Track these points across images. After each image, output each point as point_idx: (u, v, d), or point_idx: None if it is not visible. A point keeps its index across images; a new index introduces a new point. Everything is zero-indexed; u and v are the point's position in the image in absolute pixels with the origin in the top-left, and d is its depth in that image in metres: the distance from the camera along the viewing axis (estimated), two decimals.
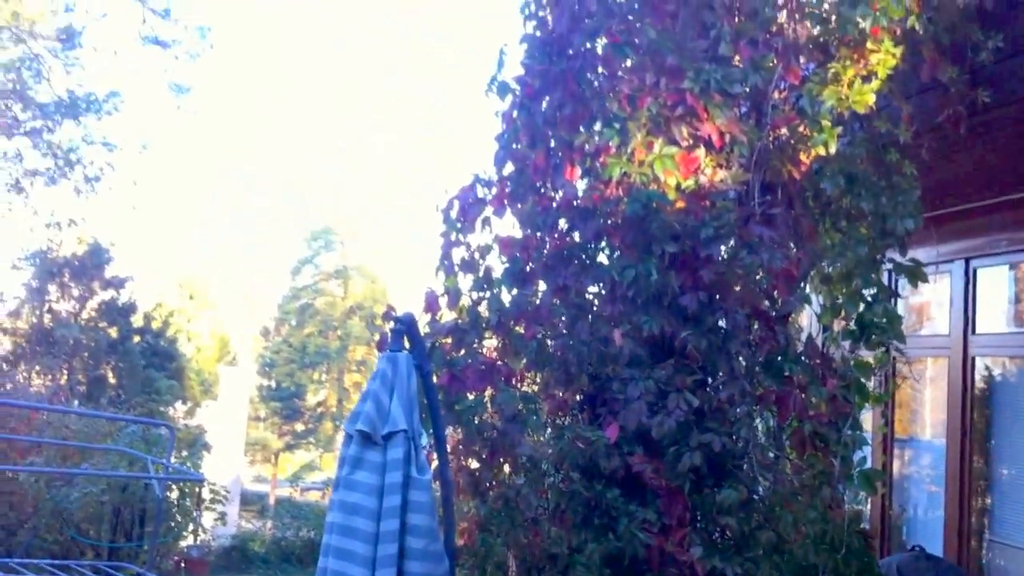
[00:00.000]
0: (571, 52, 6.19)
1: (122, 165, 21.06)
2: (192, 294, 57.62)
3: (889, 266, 5.89)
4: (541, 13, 6.46)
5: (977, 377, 8.05)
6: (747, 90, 5.76)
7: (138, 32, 26.07)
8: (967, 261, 8.05)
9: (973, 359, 7.99)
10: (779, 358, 5.64)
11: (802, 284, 6.03)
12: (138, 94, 24.78)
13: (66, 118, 20.70)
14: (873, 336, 5.67)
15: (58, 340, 19.33)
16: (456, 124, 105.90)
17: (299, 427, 54.73)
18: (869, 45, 5.50)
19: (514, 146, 6.72)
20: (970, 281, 8.06)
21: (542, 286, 6.46)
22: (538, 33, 6.44)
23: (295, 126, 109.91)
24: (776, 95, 5.86)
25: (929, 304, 9.07)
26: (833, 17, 5.72)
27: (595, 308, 6.22)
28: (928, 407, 9.18)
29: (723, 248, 5.81)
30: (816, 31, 5.90)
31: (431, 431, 4.79)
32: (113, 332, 20.86)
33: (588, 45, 6.22)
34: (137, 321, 22.01)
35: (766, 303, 5.91)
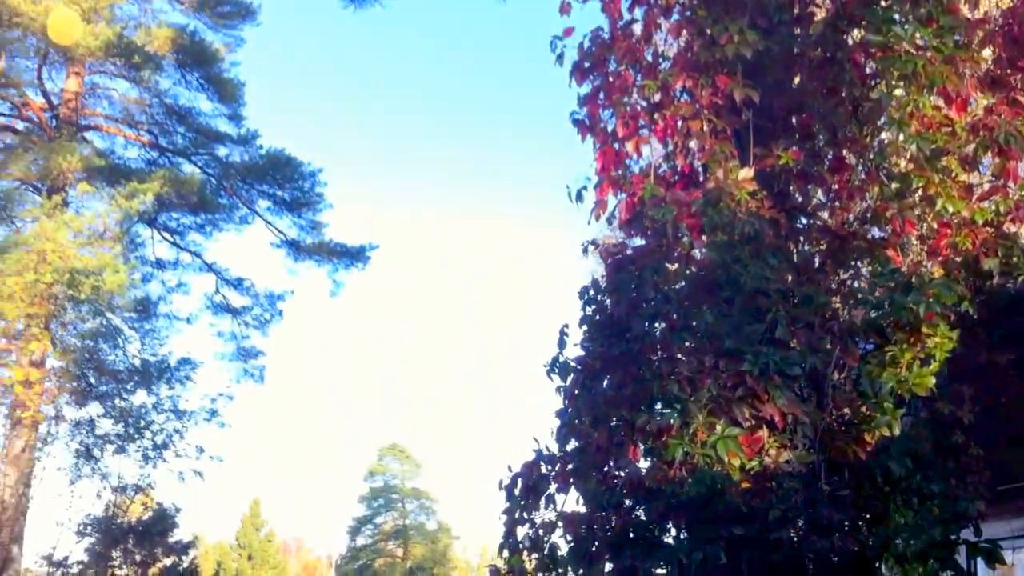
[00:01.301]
0: (630, 335, 6.39)
1: (191, 431, 21.45)
2: (251, 554, 56.91)
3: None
4: (600, 298, 6.74)
5: None
6: (805, 372, 5.85)
7: (210, 299, 27.40)
8: None
9: None
10: None
11: (877, 565, 5.86)
12: (209, 358, 25.39)
13: (139, 387, 21.38)
14: None
15: None
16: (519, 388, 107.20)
17: None
18: (925, 329, 5.61)
19: (576, 423, 6.80)
20: None
21: (607, 566, 6.35)
22: (597, 316, 6.70)
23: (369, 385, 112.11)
24: (835, 376, 5.94)
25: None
26: (886, 302, 5.86)
27: None
28: None
29: (792, 530, 5.73)
30: (872, 315, 6.03)
31: None
32: None
33: (646, 328, 6.42)
34: None
35: None
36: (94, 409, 21.31)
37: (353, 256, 26.86)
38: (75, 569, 19.82)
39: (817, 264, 6.72)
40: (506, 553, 6.75)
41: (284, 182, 25.90)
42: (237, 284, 27.44)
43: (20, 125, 24.79)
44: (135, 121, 25.58)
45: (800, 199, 6.95)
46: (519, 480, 6.87)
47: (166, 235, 26.72)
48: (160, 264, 26.65)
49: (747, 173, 6.34)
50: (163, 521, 21.00)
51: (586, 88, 7.53)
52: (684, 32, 7.40)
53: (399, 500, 63.99)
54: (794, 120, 7.04)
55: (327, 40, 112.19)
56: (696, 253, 6.35)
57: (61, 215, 21.03)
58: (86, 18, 21.51)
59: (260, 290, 27.22)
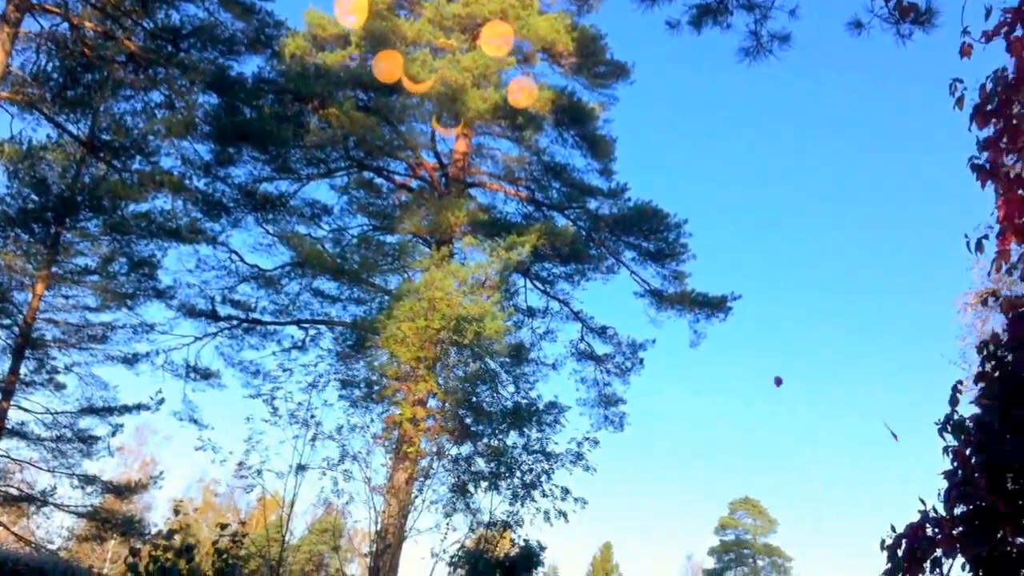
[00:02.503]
0: None
1: (557, 473, 22.24)
2: None
3: None
4: (1000, 353, 6.32)
5: None
6: None
7: (575, 346, 28.41)
8: None
9: None
10: None
11: None
12: (572, 405, 26.32)
13: (511, 428, 22.54)
14: None
15: None
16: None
17: None
18: None
19: (968, 486, 6.41)
20: None
21: None
22: (997, 373, 6.28)
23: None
24: None
25: None
26: None
27: None
28: None
29: None
30: None
31: None
32: None
33: None
34: None
35: None
36: (467, 447, 22.73)
37: (714, 306, 26.85)
38: None
39: None
40: None
41: (650, 233, 26.52)
42: (601, 332, 28.31)
43: (414, 183, 27.46)
44: (515, 178, 27.47)
45: None
46: (903, 541, 6.57)
47: (538, 284, 28.22)
48: (531, 312, 28.16)
49: None
50: (528, 558, 21.79)
51: (988, 131, 7.14)
52: None
53: (751, 555, 62.44)
54: None
55: (704, 91, 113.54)
56: None
57: (448, 265, 22.87)
58: (475, 83, 23.41)
59: (623, 338, 27.92)
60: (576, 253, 26.09)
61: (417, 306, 21.30)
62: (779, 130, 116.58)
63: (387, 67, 22.20)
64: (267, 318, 26.31)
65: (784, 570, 62.96)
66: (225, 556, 13.46)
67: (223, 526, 13.94)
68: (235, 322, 25.97)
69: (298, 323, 26.43)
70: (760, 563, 62.59)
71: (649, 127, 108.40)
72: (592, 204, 27.32)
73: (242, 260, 25.66)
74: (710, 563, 64.36)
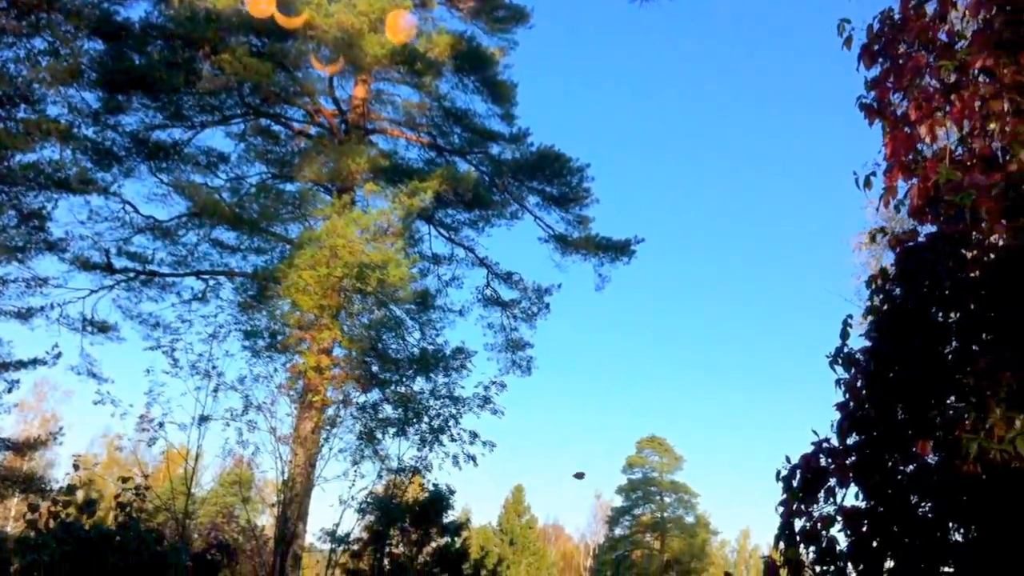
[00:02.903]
0: (922, 326, 6.16)
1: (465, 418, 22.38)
2: (513, 539, 58.71)
3: None
4: (889, 287, 6.53)
5: None
6: None
7: (481, 292, 28.51)
8: None
9: None
10: None
11: None
12: (479, 350, 26.52)
13: (417, 374, 22.64)
14: None
15: None
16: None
17: None
18: None
19: (859, 416, 6.64)
20: None
21: (888, 563, 6.17)
22: (886, 306, 6.49)
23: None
24: None
25: None
26: None
27: None
28: None
29: None
30: None
31: None
32: None
33: (940, 318, 6.18)
34: (468, 569, 22.55)
35: None
36: (375, 395, 22.73)
37: (619, 250, 27.16)
38: (355, 546, 21.01)
39: None
40: (782, 545, 6.69)
41: (553, 178, 26.60)
42: (507, 278, 28.44)
43: (313, 130, 26.96)
44: (416, 124, 27.20)
45: None
46: (797, 472, 6.78)
47: (442, 231, 28.16)
48: (436, 259, 28.13)
49: None
50: (438, 502, 22.00)
51: (875, 71, 7.31)
52: (982, 11, 7.03)
53: (658, 493, 64.05)
54: None
55: (595, 35, 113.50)
56: (996, 239, 6.02)
57: (349, 213, 22.63)
58: (372, 28, 22.96)
59: (528, 284, 28.10)
60: (479, 199, 26.05)
61: (319, 254, 21.07)
62: (674, 70, 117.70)
63: (274, 8, 21.58)
64: (165, 270, 25.70)
65: (690, 505, 64.75)
66: (128, 510, 13.23)
67: (125, 480, 13.70)
68: (132, 274, 25.27)
69: (197, 274, 25.87)
70: (667, 500, 64.20)
71: (550, 72, 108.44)
72: (494, 149, 27.30)
73: (136, 211, 24.94)
74: (618, 502, 65.83)
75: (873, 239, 7.44)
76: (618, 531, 64.59)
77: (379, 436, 21.55)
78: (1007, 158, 6.34)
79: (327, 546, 21.08)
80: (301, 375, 21.08)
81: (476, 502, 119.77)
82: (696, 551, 62.75)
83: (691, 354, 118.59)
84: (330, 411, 22.40)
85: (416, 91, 26.59)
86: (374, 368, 23.14)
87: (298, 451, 22.80)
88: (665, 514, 63.75)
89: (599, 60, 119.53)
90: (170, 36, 22.36)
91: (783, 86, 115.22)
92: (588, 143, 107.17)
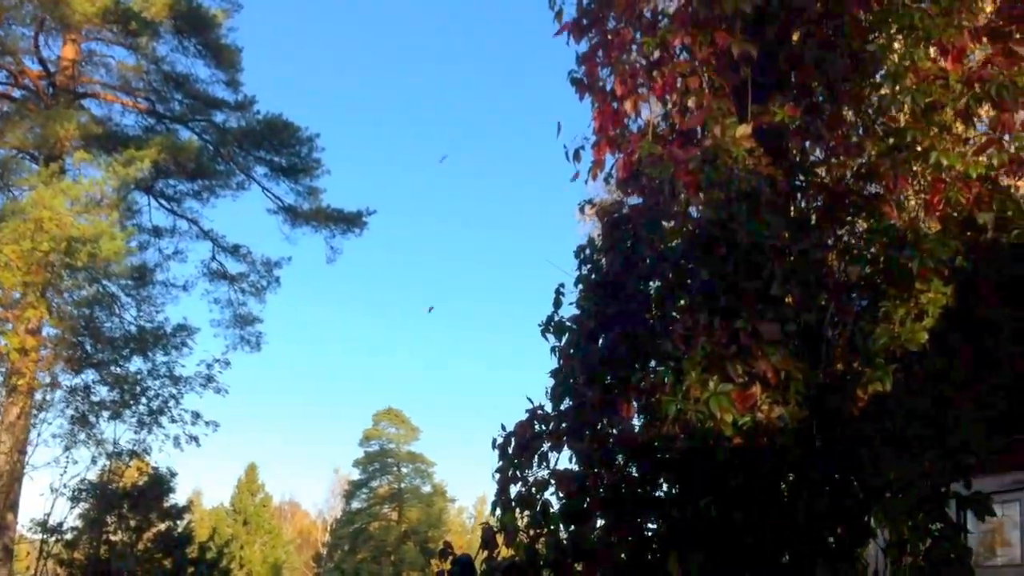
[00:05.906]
0: (625, 294, 6.39)
1: (188, 398, 21.55)
2: (247, 519, 57.14)
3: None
4: (596, 257, 6.73)
5: None
6: (800, 328, 5.85)
7: (207, 266, 27.34)
8: None
9: None
10: None
11: (866, 518, 5.91)
12: (205, 326, 25.54)
13: (134, 353, 21.49)
14: (942, 574, 5.50)
15: (114, 572, 19.14)
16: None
17: None
18: (918, 285, 5.62)
19: (570, 382, 6.82)
20: None
21: (599, 523, 6.39)
22: (593, 276, 6.69)
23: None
24: (829, 332, 5.95)
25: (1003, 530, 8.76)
26: (881, 258, 5.86)
27: (654, 546, 6.12)
28: None
29: (783, 485, 5.77)
30: (866, 271, 6.04)
31: None
32: (168, 563, 20.64)
33: (642, 287, 6.43)
34: (192, 552, 21.78)
35: (831, 539, 5.80)
36: (90, 376, 21.43)
37: (350, 222, 26.82)
38: (69, 535, 19.87)
39: (813, 221, 6.72)
40: (499, 511, 6.77)
41: (281, 147, 25.83)
42: (234, 251, 27.40)
43: (16, 93, 24.71)
44: (132, 88, 25.50)
45: (797, 156, 6.93)
46: (512, 439, 6.89)
47: (163, 202, 26.73)
48: (157, 231, 26.65)
49: (745, 130, 6.31)
50: (158, 486, 21.10)
51: (584, 46, 7.49)
52: None
53: (395, 464, 64.32)
54: (792, 76, 7.01)
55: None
56: (693, 211, 6.33)
57: (58, 183, 21.02)
58: None
59: (257, 257, 27.20)
60: (203, 169, 24.89)
61: (22, 227, 19.42)
62: (407, 35, 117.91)
63: None
64: None
65: (427, 475, 65.46)
66: None
67: None
68: None
69: None
70: (404, 470, 64.59)
71: (278, 36, 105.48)
72: (219, 117, 26.11)
73: None
74: (356, 475, 65.57)
75: (582, 211, 7.67)
76: (355, 504, 64.37)
77: (93, 420, 20.41)
78: (703, 133, 6.66)
79: (39, 536, 19.84)
80: (4, 357, 19.61)
81: (210, 484, 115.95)
82: (434, 520, 63.64)
83: (427, 326, 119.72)
84: (38, 395, 20.97)
85: (132, 53, 24.93)
86: (87, 348, 21.69)
87: (4, 438, 21.11)
88: (402, 485, 64.19)
89: (329, 25, 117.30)
90: None
91: (519, 51, 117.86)
92: (319, 111, 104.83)
